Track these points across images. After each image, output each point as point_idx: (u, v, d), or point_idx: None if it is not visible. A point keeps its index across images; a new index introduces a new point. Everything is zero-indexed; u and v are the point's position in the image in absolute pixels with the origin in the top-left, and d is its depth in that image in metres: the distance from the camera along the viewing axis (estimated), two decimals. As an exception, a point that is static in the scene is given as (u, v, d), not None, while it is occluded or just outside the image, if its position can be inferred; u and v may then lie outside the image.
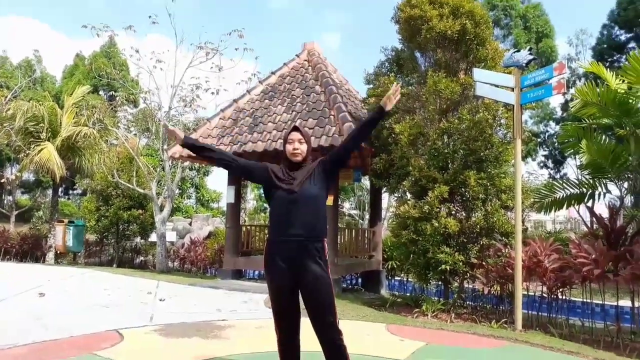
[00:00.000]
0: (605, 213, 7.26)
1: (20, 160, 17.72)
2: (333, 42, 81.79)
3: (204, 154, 3.44)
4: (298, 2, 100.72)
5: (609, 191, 8.63)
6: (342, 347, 3.10)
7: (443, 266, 7.10)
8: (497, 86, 6.84)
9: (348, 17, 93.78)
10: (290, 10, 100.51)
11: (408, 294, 9.88)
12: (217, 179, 75.14)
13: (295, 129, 3.31)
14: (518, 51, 6.83)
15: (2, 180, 20.93)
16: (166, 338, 5.02)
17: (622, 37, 22.28)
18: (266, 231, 12.66)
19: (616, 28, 22.22)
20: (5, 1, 64.81)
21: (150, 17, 13.16)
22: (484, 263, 7.31)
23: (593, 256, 6.06)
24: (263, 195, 3.55)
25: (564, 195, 8.92)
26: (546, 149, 24.52)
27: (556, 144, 22.25)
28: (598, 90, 7.56)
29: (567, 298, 6.81)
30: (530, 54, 6.69)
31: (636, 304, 6.20)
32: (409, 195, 8.21)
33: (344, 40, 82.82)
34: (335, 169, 3.43)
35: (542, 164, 24.70)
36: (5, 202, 24.45)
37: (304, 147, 3.26)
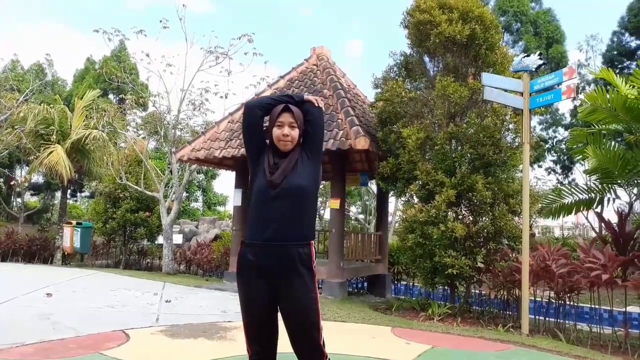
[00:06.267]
0: (614, 219, 7.22)
1: (30, 162, 17.86)
2: (356, 49, 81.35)
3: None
4: (323, 10, 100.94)
5: (618, 197, 8.58)
6: None
7: (449, 270, 7.08)
8: (505, 90, 6.82)
9: (371, 24, 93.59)
10: (314, 18, 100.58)
11: (414, 298, 9.85)
12: (224, 182, 74.88)
13: (287, 109, 2.52)
14: (528, 56, 6.78)
15: (12, 182, 21.11)
16: (172, 339, 5.03)
17: (633, 44, 22.15)
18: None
19: (626, 35, 22.09)
20: (43, 10, 65.71)
21: (160, 21, 13.30)
22: (491, 267, 7.28)
23: (601, 261, 6.02)
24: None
25: (573, 200, 8.88)
26: (554, 154, 24.34)
27: (565, 149, 22.12)
28: (608, 95, 7.53)
29: (575, 304, 6.75)
30: (540, 58, 6.63)
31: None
32: (416, 199, 8.19)
33: (367, 47, 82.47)
34: (316, 151, 2.59)
35: (549, 170, 24.52)
36: (14, 203, 24.59)
37: (295, 134, 2.51)
